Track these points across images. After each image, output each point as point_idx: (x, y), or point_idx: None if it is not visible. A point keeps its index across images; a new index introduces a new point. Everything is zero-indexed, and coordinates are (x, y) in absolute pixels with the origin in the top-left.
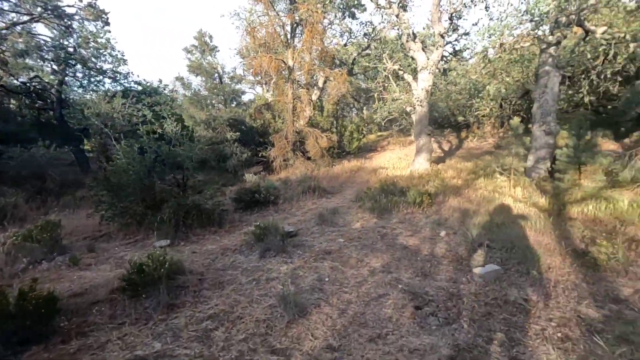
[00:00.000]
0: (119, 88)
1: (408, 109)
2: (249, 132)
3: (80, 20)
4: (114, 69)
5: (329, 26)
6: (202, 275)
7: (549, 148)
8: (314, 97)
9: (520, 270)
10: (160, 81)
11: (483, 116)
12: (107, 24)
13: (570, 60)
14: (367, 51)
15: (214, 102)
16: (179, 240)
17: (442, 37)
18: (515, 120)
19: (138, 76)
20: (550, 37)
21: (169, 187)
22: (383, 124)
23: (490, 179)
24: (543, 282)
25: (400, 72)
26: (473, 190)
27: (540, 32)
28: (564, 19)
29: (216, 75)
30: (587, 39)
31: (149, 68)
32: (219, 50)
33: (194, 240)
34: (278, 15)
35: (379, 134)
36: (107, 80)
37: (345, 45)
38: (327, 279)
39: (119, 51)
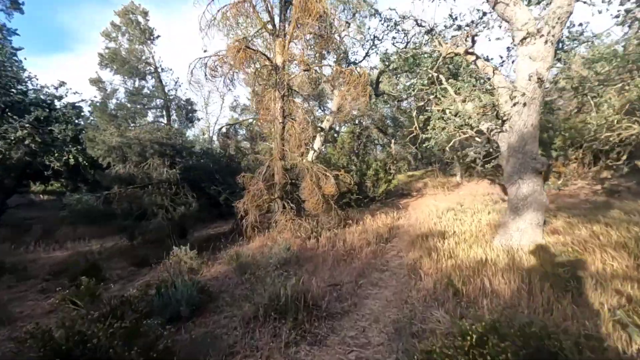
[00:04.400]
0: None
1: (484, 125)
2: (210, 168)
3: None
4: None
5: (346, 28)
6: None
7: None
8: (326, 124)
9: None
10: (63, 84)
11: (582, 146)
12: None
13: None
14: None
15: (138, 116)
16: None
17: None
18: None
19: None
20: None
21: None
22: (446, 155)
23: None
24: None
25: (468, 58)
26: None
27: None
28: None
29: (149, 71)
30: None
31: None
32: (158, 37)
33: None
34: None
35: (410, 173)
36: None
37: (367, 55)
38: None
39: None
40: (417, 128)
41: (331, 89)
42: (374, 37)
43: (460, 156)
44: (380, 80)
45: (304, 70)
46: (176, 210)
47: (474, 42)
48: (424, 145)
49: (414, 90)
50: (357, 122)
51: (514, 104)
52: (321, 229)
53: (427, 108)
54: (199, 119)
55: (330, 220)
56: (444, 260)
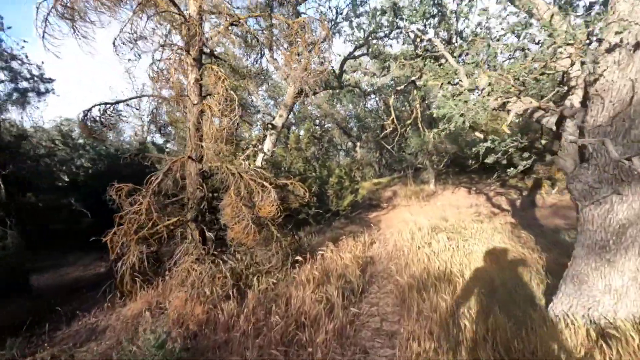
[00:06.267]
0: None
1: (517, 105)
2: (122, 174)
3: None
4: None
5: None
6: None
7: None
8: (278, 121)
9: None
10: None
11: None
12: None
13: None
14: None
15: None
16: None
17: None
18: None
19: None
20: None
21: None
22: (419, 160)
23: None
24: None
25: None
26: None
27: None
28: None
29: None
30: None
31: None
32: None
33: None
34: None
35: (376, 180)
36: None
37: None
38: None
39: None
40: (394, 121)
41: (284, 76)
42: (337, 12)
43: (434, 161)
44: (344, 69)
45: (231, 25)
46: None
47: None
48: (440, 129)
49: (396, 62)
50: (317, 122)
51: (608, 50)
52: (254, 273)
53: (415, 86)
54: (49, 91)
55: (270, 257)
56: None
